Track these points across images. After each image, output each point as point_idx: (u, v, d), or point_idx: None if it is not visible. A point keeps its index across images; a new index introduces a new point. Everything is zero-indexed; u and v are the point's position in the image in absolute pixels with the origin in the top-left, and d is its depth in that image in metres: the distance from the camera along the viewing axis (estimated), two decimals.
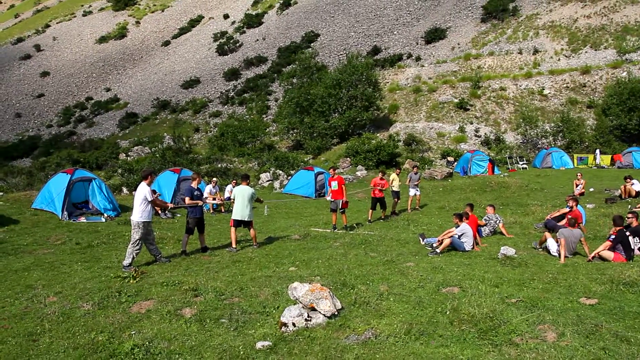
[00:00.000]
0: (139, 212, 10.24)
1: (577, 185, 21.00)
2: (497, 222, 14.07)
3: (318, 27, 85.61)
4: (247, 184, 12.49)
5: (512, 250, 10.57)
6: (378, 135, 40.10)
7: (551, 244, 11.03)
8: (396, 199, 18.23)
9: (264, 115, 60.57)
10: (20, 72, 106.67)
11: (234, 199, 12.36)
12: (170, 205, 12.56)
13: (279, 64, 75.78)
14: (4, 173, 32.89)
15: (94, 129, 74.92)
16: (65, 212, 16.34)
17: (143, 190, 10.31)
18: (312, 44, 79.29)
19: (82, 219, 16.43)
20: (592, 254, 10.34)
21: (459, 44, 62.17)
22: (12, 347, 6.17)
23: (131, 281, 8.82)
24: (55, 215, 16.38)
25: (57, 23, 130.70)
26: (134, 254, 10.18)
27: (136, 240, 10.17)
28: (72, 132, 75.11)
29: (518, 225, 15.15)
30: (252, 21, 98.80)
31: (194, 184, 12.10)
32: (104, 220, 16.64)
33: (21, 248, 12.35)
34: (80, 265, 10.44)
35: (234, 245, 12.02)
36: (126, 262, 10.08)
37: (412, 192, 19.17)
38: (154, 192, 10.54)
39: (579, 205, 13.85)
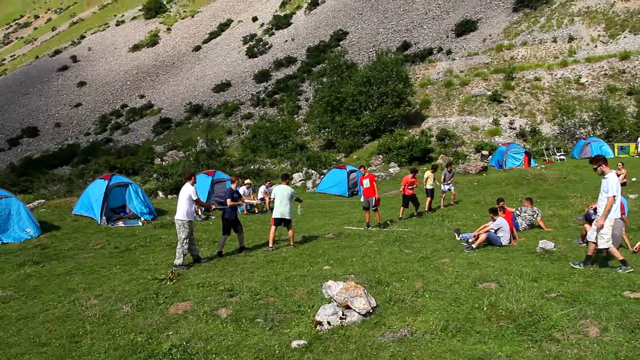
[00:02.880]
0: (183, 211, 10.50)
1: (618, 176, 20.32)
2: (535, 215, 13.74)
3: (346, 25, 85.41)
4: (287, 184, 12.66)
5: (550, 244, 10.30)
6: (410, 131, 39.73)
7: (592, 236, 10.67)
8: (430, 198, 17.98)
9: (295, 116, 60.78)
10: (58, 83, 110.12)
11: (273, 199, 12.47)
12: (213, 206, 12.83)
13: (309, 64, 75.91)
14: (45, 181, 33.95)
15: (130, 136, 76.67)
16: (103, 217, 16.72)
17: (188, 190, 10.55)
18: (341, 43, 79.16)
19: (120, 224, 16.80)
20: (637, 245, 9.98)
21: (490, 35, 61.01)
22: (55, 348, 6.36)
23: (168, 283, 8.97)
24: (94, 221, 16.79)
25: (91, 34, 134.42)
26: (184, 252, 10.49)
27: (183, 239, 10.44)
28: (108, 139, 77.06)
29: (557, 218, 14.77)
30: (281, 22, 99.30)
31: (233, 186, 12.36)
32: (140, 224, 16.96)
33: (63, 253, 12.71)
34: (119, 269, 10.68)
35: (270, 245, 12.09)
36: (177, 261, 10.41)
37: (444, 187, 18.90)
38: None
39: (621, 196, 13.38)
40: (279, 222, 12.29)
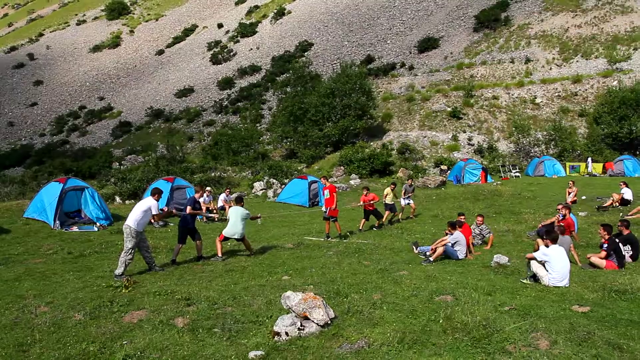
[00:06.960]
0: (135, 221, 10.15)
1: (569, 193, 21.11)
2: (489, 232, 14.08)
3: (312, 36, 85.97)
4: (242, 206, 12.59)
5: (505, 259, 10.59)
6: (371, 143, 40.20)
7: None
8: (388, 211, 18.24)
9: (258, 124, 60.58)
10: (13, 80, 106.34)
11: (229, 218, 12.47)
12: (173, 211, 12.68)
13: (273, 73, 75.95)
14: None
15: (87, 138, 74.71)
16: (57, 221, 16.24)
17: (148, 203, 10.33)
18: (305, 53, 79.59)
19: (75, 228, 16.33)
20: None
21: (451, 53, 62.58)
22: (2, 358, 6.11)
23: (123, 291, 8.76)
24: (47, 225, 16.27)
25: (50, 32, 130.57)
26: (127, 263, 10.08)
27: (129, 249, 10.08)
28: (65, 141, 74.82)
29: (511, 233, 15.19)
30: (246, 30, 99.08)
31: (197, 196, 12.37)
32: (96, 229, 16.54)
33: (12, 258, 12.25)
34: (72, 275, 10.36)
35: (219, 254, 12.01)
36: (118, 271, 9.98)
37: (403, 202, 19.21)
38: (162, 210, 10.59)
39: (571, 213, 13.93)
40: (228, 238, 12.34)
